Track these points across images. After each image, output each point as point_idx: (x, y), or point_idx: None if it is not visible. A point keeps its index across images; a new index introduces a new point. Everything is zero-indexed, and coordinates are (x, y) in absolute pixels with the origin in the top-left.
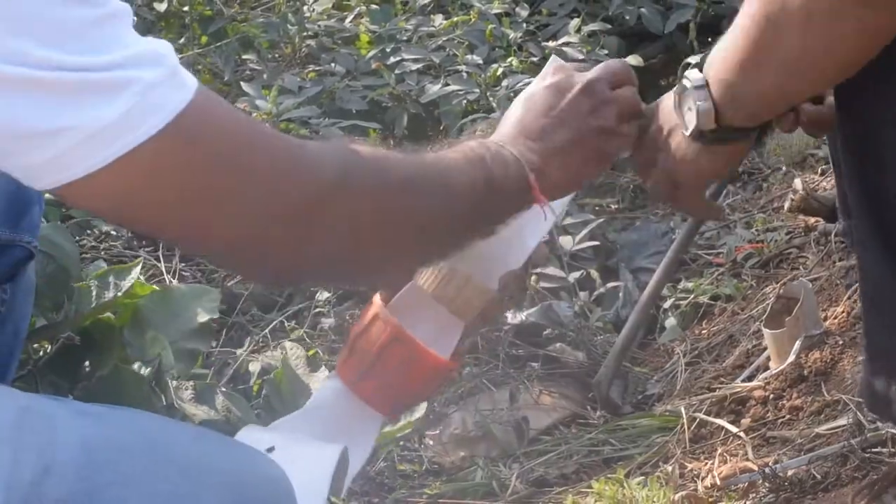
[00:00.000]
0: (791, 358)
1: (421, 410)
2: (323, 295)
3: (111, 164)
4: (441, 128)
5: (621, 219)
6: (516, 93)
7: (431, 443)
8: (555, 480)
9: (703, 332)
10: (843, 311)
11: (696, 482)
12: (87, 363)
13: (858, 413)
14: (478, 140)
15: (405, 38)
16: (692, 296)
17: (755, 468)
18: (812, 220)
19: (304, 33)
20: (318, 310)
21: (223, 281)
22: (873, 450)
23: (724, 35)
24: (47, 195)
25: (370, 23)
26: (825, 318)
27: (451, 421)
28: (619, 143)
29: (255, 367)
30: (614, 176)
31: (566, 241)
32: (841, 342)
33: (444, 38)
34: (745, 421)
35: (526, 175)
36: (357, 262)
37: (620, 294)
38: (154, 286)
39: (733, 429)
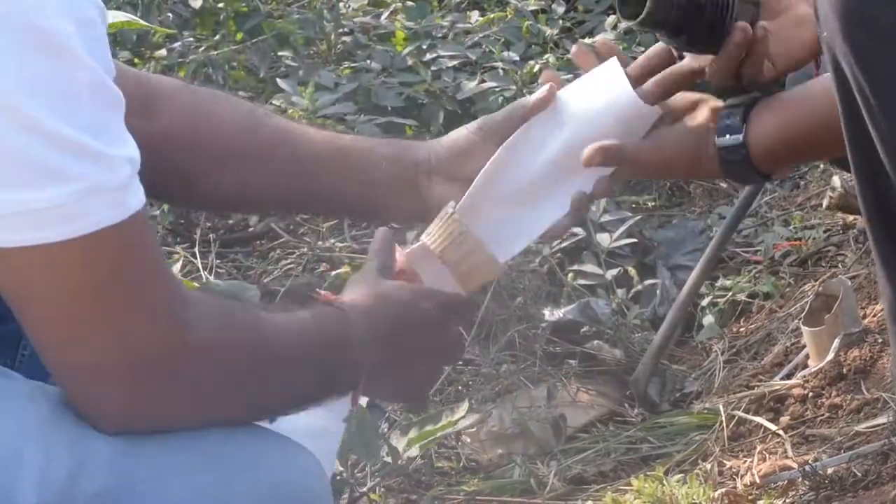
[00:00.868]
0: (830, 356)
1: (463, 410)
2: None
3: (11, 248)
4: None
5: (658, 216)
6: None
7: (469, 440)
8: (592, 478)
9: (741, 329)
10: (881, 309)
11: (734, 480)
12: None
13: None
14: (342, 320)
15: (441, 34)
16: (730, 293)
17: (795, 466)
18: (850, 217)
19: (340, 30)
20: None
21: (259, 277)
22: None
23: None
24: None
25: (406, 19)
26: (864, 316)
27: (488, 418)
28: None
29: None
30: None
31: (603, 239)
32: (880, 340)
33: (481, 35)
34: (784, 419)
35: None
36: (200, 421)
37: (658, 291)
38: (192, 282)
39: (772, 426)
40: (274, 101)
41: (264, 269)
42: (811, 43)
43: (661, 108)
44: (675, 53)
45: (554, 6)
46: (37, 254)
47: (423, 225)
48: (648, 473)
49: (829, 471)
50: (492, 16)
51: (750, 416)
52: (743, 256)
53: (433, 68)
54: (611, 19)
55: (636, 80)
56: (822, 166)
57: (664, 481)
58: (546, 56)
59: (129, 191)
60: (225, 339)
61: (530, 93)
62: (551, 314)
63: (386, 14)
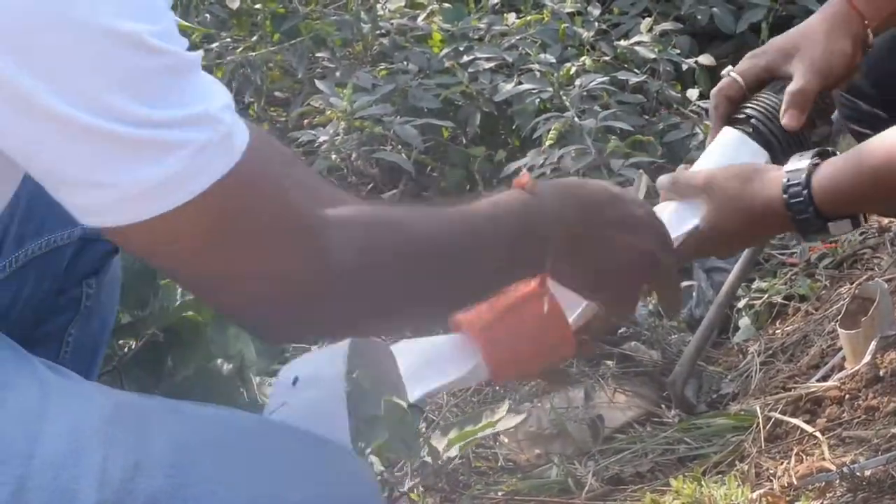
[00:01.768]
0: (867, 358)
1: (503, 410)
2: None
3: (142, 223)
4: (514, 127)
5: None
6: (589, 92)
7: (506, 440)
8: (630, 479)
9: (778, 331)
10: None
11: (772, 481)
12: (169, 360)
13: None
14: (526, 202)
15: (478, 36)
16: (766, 296)
17: (832, 468)
18: (886, 220)
19: (377, 31)
20: None
21: None
22: None
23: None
24: None
25: (443, 21)
26: None
27: (526, 419)
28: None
29: None
30: None
31: None
32: None
33: (517, 37)
34: (821, 421)
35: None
36: (377, 326)
37: (694, 293)
38: None
39: (809, 428)
40: (312, 103)
41: None
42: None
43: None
44: None
45: (590, 8)
46: (169, 220)
47: None
48: (686, 474)
49: (867, 473)
50: (528, 18)
51: (786, 418)
52: (779, 259)
53: (470, 70)
54: (646, 22)
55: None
56: None
57: (702, 482)
58: (582, 59)
59: (234, 134)
60: (367, 257)
61: (566, 95)
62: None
63: (423, 16)
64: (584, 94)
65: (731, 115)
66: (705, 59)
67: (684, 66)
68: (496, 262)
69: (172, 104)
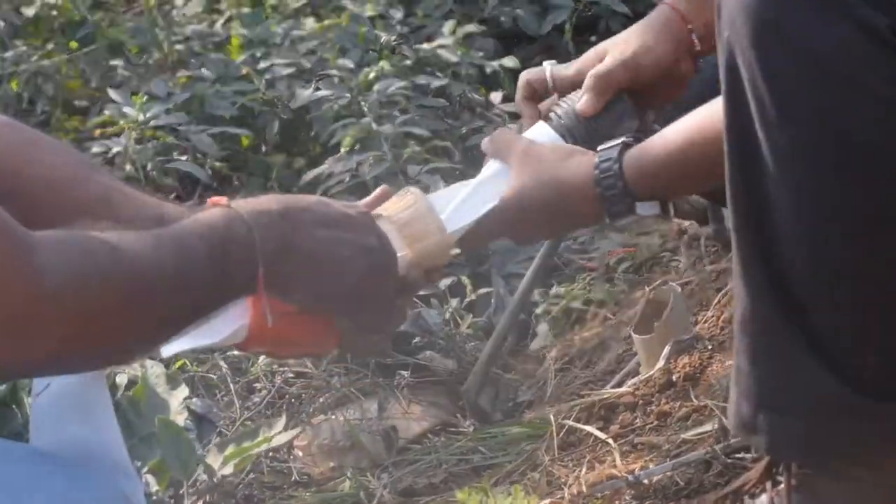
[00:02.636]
0: (660, 363)
1: (280, 425)
2: None
3: None
4: (313, 133)
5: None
6: (389, 97)
7: (300, 453)
8: (423, 490)
9: (575, 337)
10: (713, 316)
11: (562, 490)
12: None
13: (723, 418)
14: (225, 215)
15: (276, 42)
16: (564, 301)
17: (620, 475)
18: (685, 223)
19: (174, 38)
20: None
21: None
22: (736, 455)
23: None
24: None
25: (241, 26)
26: (696, 323)
27: (319, 431)
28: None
29: (121, 380)
30: None
31: None
32: (710, 347)
33: (316, 42)
34: (614, 427)
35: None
36: (85, 358)
37: (492, 300)
38: None
39: (601, 435)
40: (106, 112)
41: None
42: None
43: None
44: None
45: (392, 11)
46: None
47: None
48: (475, 485)
49: (654, 479)
50: (327, 22)
51: (580, 425)
52: (578, 263)
53: (268, 77)
54: (449, 24)
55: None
56: None
57: (489, 492)
58: (382, 63)
59: None
60: (80, 279)
61: (365, 100)
62: None
63: (221, 21)
64: (384, 99)
65: (531, 100)
66: (509, 62)
67: (488, 69)
68: (207, 278)
69: None
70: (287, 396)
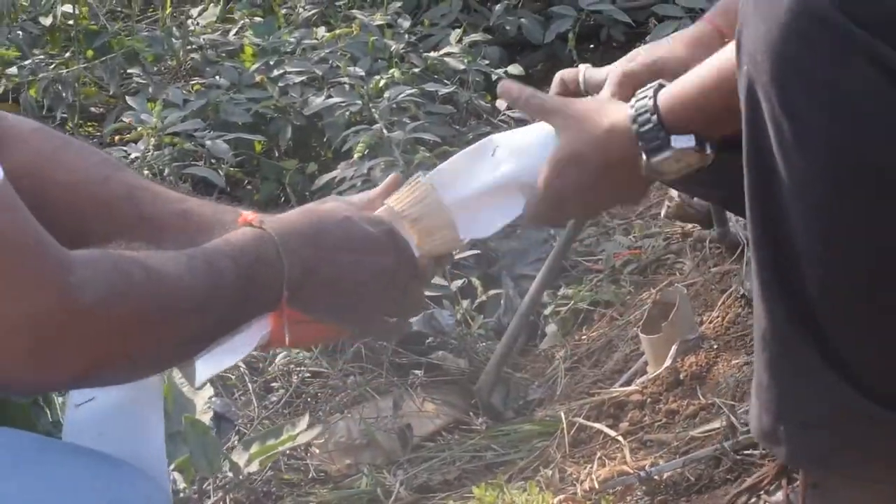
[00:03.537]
0: (667, 362)
1: (303, 424)
2: None
3: None
4: (325, 139)
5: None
6: (398, 104)
7: (317, 451)
8: (438, 486)
9: (583, 337)
10: (717, 316)
11: (574, 486)
12: None
13: (731, 416)
14: (256, 236)
15: (289, 50)
16: (572, 302)
17: (631, 471)
18: (689, 226)
19: (189, 47)
20: None
21: None
22: (745, 452)
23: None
24: None
25: (254, 35)
26: (701, 323)
27: (336, 429)
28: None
29: None
30: None
31: None
32: (716, 346)
33: (328, 51)
34: (624, 425)
35: (281, 290)
36: (114, 374)
37: (502, 301)
38: None
39: (611, 433)
40: (124, 119)
41: None
42: None
43: None
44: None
45: (400, 21)
46: None
47: None
48: (490, 481)
49: (665, 475)
50: (338, 31)
51: (590, 423)
52: (585, 265)
53: (281, 84)
54: (455, 33)
55: None
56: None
57: (504, 489)
58: (391, 71)
59: None
60: (118, 295)
61: (375, 107)
62: None
63: (234, 30)
64: (394, 106)
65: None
66: (514, 69)
67: (494, 76)
68: (235, 298)
69: None
70: (304, 396)
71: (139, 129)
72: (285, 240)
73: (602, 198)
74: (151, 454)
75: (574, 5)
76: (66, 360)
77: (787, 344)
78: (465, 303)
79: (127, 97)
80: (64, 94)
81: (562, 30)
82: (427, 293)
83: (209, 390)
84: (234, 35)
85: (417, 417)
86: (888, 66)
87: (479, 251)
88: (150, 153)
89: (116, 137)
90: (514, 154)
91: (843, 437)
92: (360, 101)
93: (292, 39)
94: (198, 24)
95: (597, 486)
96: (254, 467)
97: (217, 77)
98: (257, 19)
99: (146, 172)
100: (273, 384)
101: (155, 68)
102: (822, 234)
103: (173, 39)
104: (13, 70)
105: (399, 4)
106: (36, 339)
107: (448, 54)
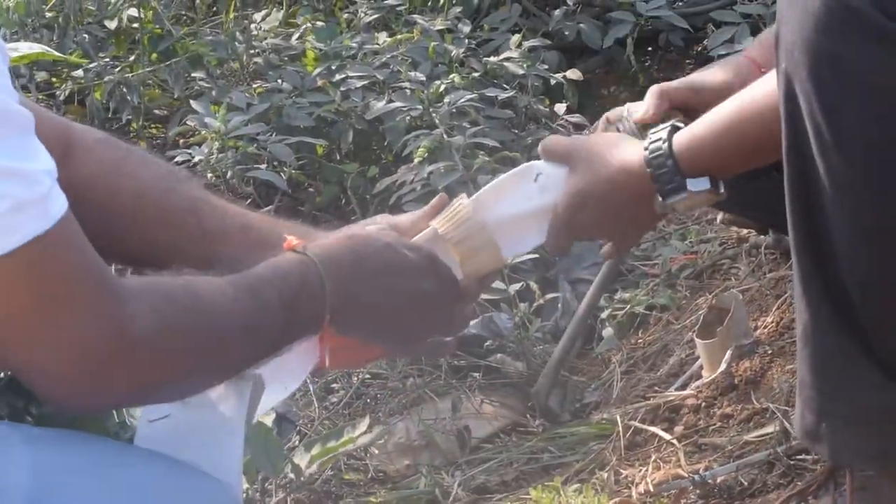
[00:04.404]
0: (722, 367)
1: (364, 425)
2: None
3: None
4: (386, 143)
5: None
6: (458, 108)
7: (376, 451)
8: (495, 487)
9: (639, 341)
10: (772, 322)
11: (630, 488)
12: None
13: (785, 421)
14: (299, 262)
15: (350, 55)
16: (628, 306)
17: (686, 475)
18: (744, 231)
19: (252, 51)
20: None
21: None
22: (798, 457)
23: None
24: None
25: (316, 40)
26: (755, 328)
27: (395, 430)
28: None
29: None
30: None
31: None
32: (770, 351)
33: (388, 56)
34: (678, 428)
35: (324, 315)
36: (161, 395)
37: (559, 305)
38: None
39: (666, 436)
40: (188, 122)
41: None
42: None
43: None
44: None
45: (460, 26)
46: None
47: None
48: (546, 483)
49: (719, 479)
50: (399, 37)
51: (646, 426)
52: (641, 269)
53: (342, 88)
54: (515, 38)
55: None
56: None
57: (561, 491)
58: (452, 76)
59: (50, 200)
60: (168, 325)
61: (436, 112)
62: None
63: (297, 35)
64: (454, 110)
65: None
66: (573, 74)
67: (552, 81)
68: (279, 326)
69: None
70: (363, 397)
71: (203, 132)
72: (327, 266)
73: (611, 230)
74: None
75: (633, 11)
76: (117, 385)
77: (827, 341)
78: (522, 306)
79: (191, 100)
80: (129, 97)
81: (620, 35)
82: (485, 297)
83: None
84: (297, 39)
85: (475, 419)
86: None
87: (537, 255)
88: (213, 156)
89: (180, 140)
90: (554, 183)
91: (885, 433)
92: (420, 106)
93: (354, 44)
94: (261, 28)
95: (651, 488)
96: (315, 468)
97: (280, 81)
98: (319, 24)
99: (210, 175)
100: (333, 385)
101: (218, 72)
102: (864, 233)
103: (237, 43)
104: (79, 73)
105: (459, 10)
106: (89, 365)
107: (507, 59)
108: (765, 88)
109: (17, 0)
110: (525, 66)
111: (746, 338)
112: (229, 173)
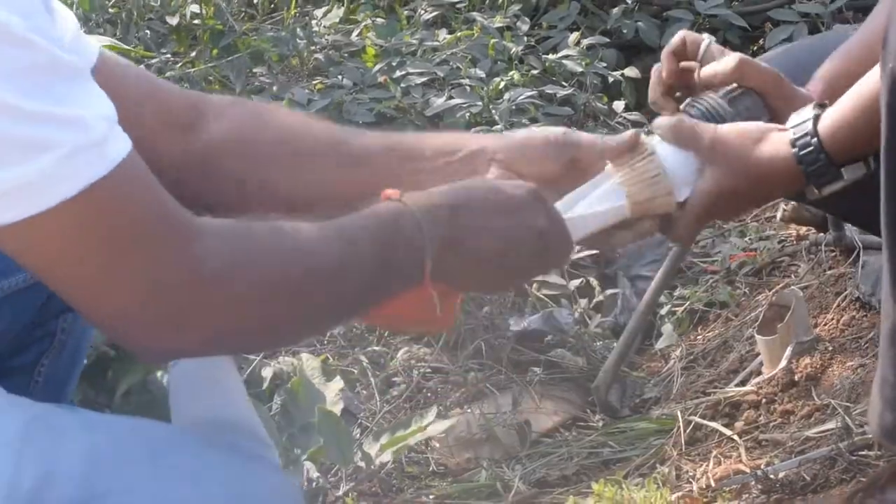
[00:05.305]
0: (783, 363)
1: (431, 415)
2: None
3: (15, 223)
4: None
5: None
6: (518, 105)
7: (437, 445)
8: (556, 481)
9: (699, 337)
10: (832, 319)
11: (691, 483)
12: (110, 373)
13: (846, 417)
14: (395, 209)
15: (410, 51)
16: (688, 303)
17: (747, 470)
18: (803, 229)
19: (312, 47)
20: None
21: None
22: (860, 453)
23: None
24: None
25: (376, 37)
26: (815, 325)
27: (456, 423)
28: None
29: (267, 373)
30: None
31: None
32: (830, 348)
33: (448, 52)
34: (739, 424)
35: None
36: (241, 342)
37: (619, 301)
38: None
39: (727, 432)
40: None
41: None
42: None
43: None
44: None
45: (519, 24)
46: (39, 223)
47: None
48: (608, 477)
49: (780, 475)
50: (459, 34)
51: (706, 422)
52: (700, 267)
53: (402, 85)
54: (573, 36)
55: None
56: None
57: (623, 485)
58: (511, 73)
59: (108, 143)
60: (240, 266)
61: (495, 109)
62: (516, 324)
63: (357, 31)
64: (513, 107)
65: (668, 95)
66: (631, 72)
67: (610, 79)
68: (371, 271)
69: (43, 99)
70: (424, 390)
71: None
72: (425, 212)
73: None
74: (240, 404)
75: (691, 9)
76: (191, 328)
77: None
78: (582, 302)
79: (252, 96)
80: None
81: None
82: (545, 292)
83: (339, 383)
84: (357, 36)
85: (536, 414)
86: None
87: (596, 251)
88: None
89: None
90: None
91: None
92: (480, 103)
93: (414, 41)
94: (321, 24)
95: (713, 483)
96: (385, 458)
97: (340, 77)
98: (379, 21)
99: None
100: (395, 378)
101: (279, 68)
102: None
103: (297, 40)
104: (141, 68)
105: (518, 7)
106: (161, 305)
107: (566, 57)
108: None
109: None
110: (583, 63)
111: (806, 335)
112: None
